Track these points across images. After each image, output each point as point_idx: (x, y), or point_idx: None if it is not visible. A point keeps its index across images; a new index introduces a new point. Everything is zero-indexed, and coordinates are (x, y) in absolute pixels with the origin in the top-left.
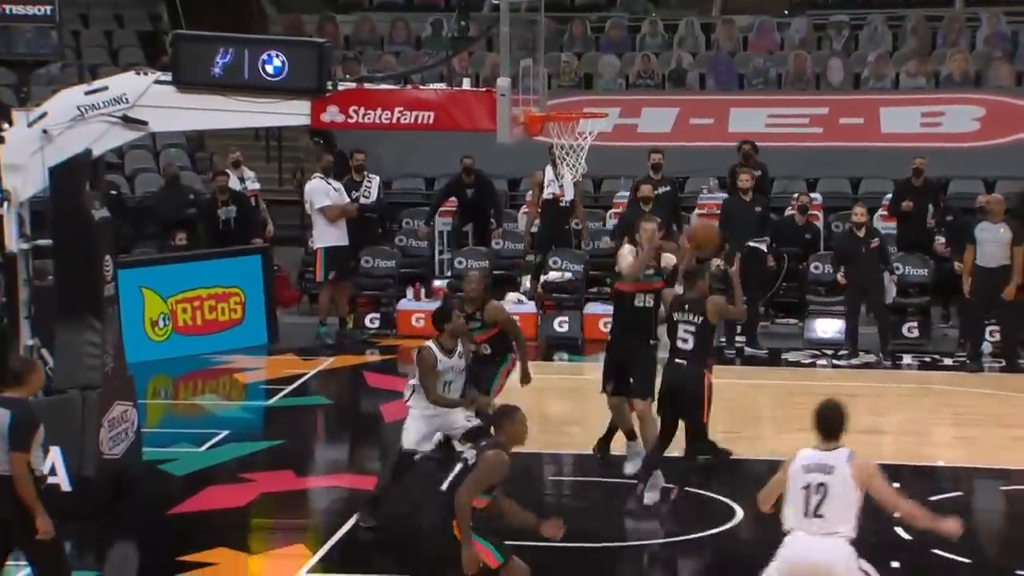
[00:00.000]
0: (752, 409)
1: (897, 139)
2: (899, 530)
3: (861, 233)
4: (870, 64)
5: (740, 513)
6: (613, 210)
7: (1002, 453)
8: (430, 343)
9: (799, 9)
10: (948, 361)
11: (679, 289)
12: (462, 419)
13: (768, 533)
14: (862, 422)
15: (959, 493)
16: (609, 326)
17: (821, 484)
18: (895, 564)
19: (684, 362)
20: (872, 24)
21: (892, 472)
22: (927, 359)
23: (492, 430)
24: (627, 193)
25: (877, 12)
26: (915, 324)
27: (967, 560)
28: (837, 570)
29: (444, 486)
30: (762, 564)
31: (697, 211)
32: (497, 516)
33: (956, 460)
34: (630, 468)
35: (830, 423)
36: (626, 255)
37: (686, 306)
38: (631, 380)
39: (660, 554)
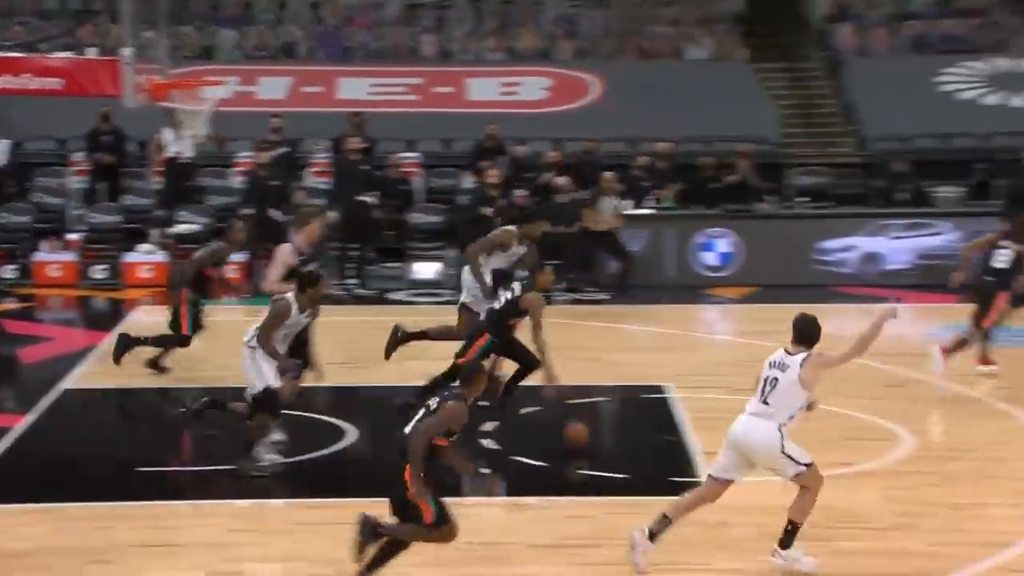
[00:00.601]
0: (363, 343)
1: (481, 105)
2: (485, 441)
3: (493, 192)
4: (457, 40)
5: (352, 433)
6: (237, 169)
7: (568, 373)
8: (290, 296)
9: None
10: None
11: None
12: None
13: (375, 451)
14: (448, 350)
15: (538, 408)
16: None
17: (775, 378)
18: (483, 471)
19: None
20: (458, 5)
21: None
22: None
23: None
24: (250, 154)
25: None
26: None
27: (543, 464)
28: (757, 447)
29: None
30: (371, 480)
31: (310, 169)
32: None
33: (533, 380)
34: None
35: (800, 331)
36: (284, 253)
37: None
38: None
39: (282, 473)
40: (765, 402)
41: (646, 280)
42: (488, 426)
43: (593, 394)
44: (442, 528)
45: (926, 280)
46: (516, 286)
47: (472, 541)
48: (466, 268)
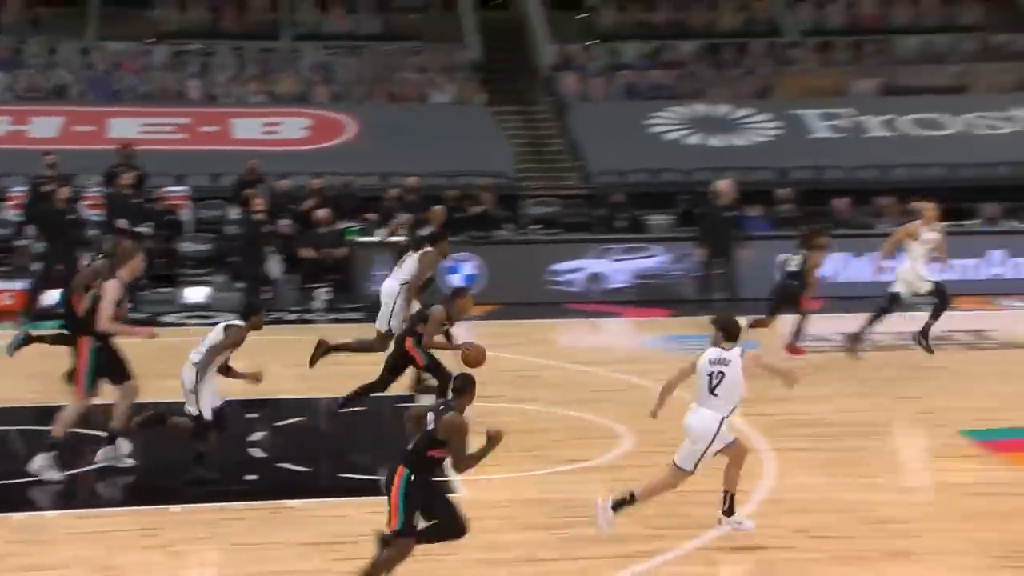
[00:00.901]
0: (139, 361)
1: (245, 144)
2: (252, 450)
3: (260, 217)
4: (221, 84)
5: (125, 447)
6: (10, 202)
7: (334, 384)
8: (242, 323)
9: (161, 38)
10: (291, 317)
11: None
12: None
13: (148, 464)
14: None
15: (301, 418)
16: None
17: (720, 372)
18: (251, 477)
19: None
20: (221, 52)
21: (256, 405)
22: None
23: (453, 394)
24: (25, 187)
25: (223, 42)
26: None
27: (305, 469)
28: (700, 432)
29: None
30: (143, 490)
31: (84, 202)
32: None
33: (298, 392)
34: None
35: (729, 329)
36: (113, 290)
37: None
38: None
39: (61, 485)
40: (714, 393)
41: None
42: (255, 436)
43: (354, 404)
44: (404, 540)
45: (642, 297)
46: (433, 304)
47: (239, 542)
48: (394, 289)
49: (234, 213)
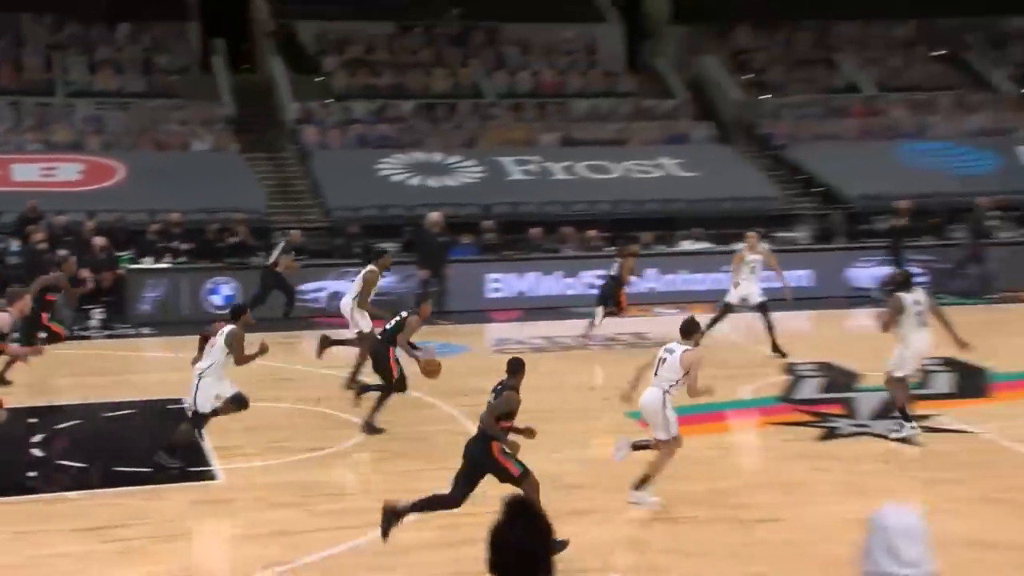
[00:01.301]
0: None
1: (26, 185)
2: (34, 451)
3: (42, 247)
4: (0, 134)
5: None
6: None
7: (108, 392)
8: (237, 327)
9: None
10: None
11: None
12: (229, 386)
13: None
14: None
15: (79, 421)
16: None
17: (664, 358)
18: (32, 474)
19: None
20: None
21: (37, 412)
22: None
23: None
24: None
25: (1, 97)
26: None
27: (83, 464)
28: (648, 406)
29: None
30: None
31: None
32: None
33: (75, 399)
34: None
35: (684, 330)
36: (3, 324)
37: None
38: None
39: None
40: (656, 374)
41: (166, 318)
42: (36, 438)
43: (125, 408)
44: (529, 478)
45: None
46: (404, 312)
47: (21, 530)
48: (349, 304)
49: (15, 245)
